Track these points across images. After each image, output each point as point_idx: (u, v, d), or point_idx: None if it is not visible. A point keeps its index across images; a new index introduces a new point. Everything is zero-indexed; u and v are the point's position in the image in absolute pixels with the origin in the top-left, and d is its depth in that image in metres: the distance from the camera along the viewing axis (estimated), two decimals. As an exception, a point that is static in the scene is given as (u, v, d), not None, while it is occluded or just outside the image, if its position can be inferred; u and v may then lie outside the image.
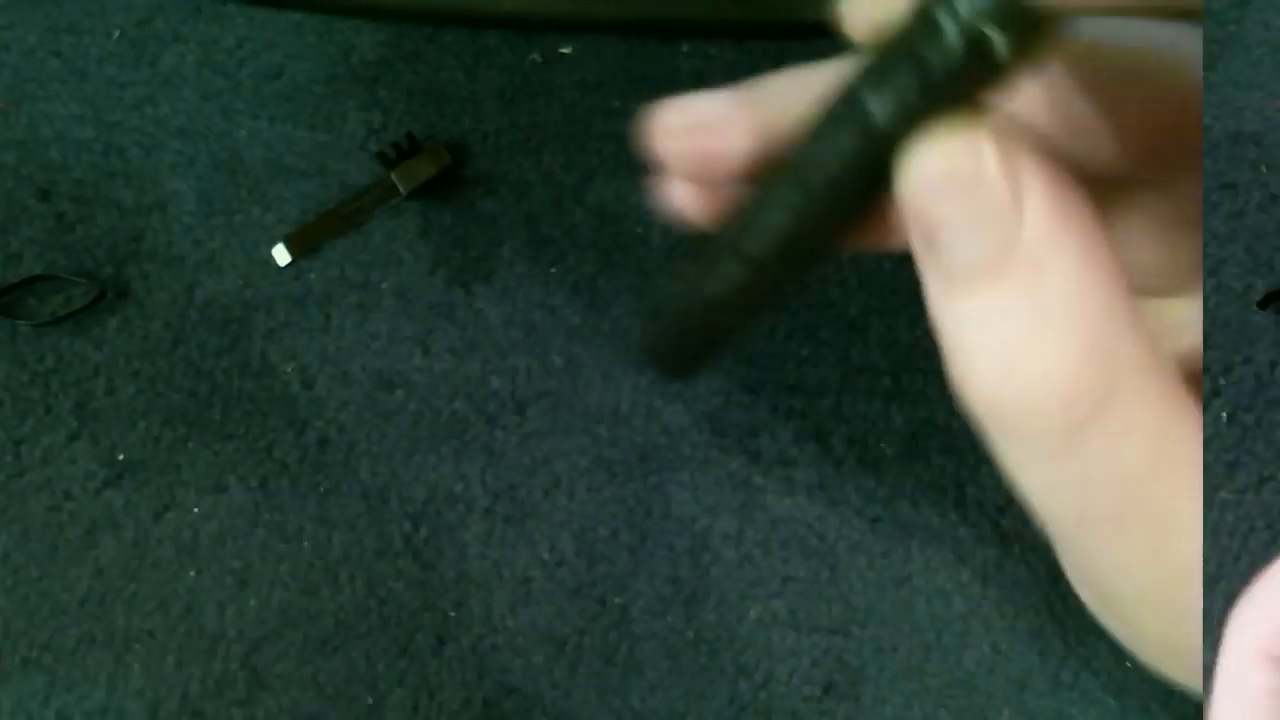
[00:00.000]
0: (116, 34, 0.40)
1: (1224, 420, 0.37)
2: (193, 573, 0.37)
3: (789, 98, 0.21)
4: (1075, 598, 0.37)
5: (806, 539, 0.38)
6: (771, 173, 0.21)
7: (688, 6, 0.38)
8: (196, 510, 0.38)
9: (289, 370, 0.38)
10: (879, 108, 0.18)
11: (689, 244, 0.23)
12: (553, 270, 0.39)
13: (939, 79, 0.18)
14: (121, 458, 0.38)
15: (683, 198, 0.23)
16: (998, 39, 0.17)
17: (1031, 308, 0.17)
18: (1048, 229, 0.17)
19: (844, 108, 0.19)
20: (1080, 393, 0.17)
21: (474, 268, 0.39)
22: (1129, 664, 0.37)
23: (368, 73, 0.39)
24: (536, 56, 0.40)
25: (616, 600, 0.38)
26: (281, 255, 0.37)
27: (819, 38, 0.39)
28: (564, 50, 0.39)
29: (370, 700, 0.37)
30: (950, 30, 0.17)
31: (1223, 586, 0.36)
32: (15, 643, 0.37)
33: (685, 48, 0.39)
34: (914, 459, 0.38)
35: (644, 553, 0.38)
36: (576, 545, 0.38)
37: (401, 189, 0.38)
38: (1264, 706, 0.20)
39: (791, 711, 0.37)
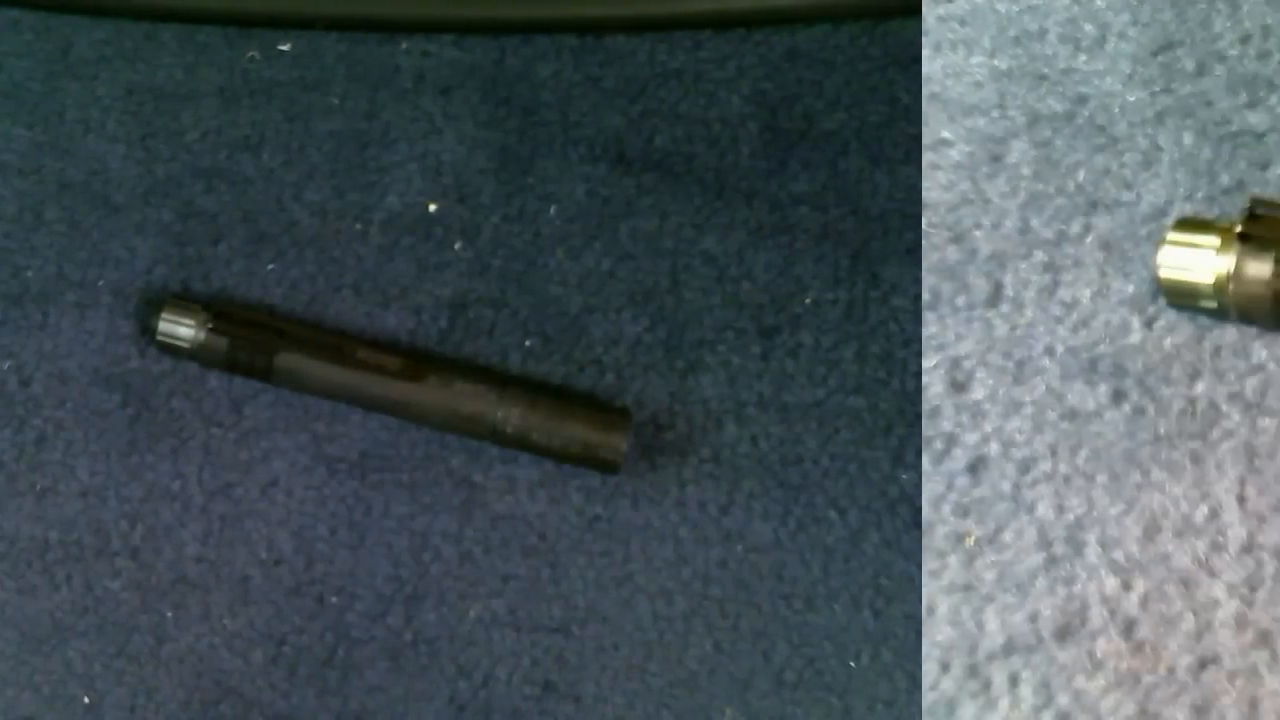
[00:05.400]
0: None
1: None
2: (-95, 572, 0.37)
3: None
4: (799, 597, 0.37)
5: (527, 537, 0.38)
6: None
7: (407, 4, 0.38)
8: (-87, 509, 0.38)
9: (5, 368, 0.38)
10: None
11: None
12: (271, 267, 0.39)
13: None
14: None
15: None
16: None
17: None
18: None
19: None
20: None
21: (193, 265, 0.38)
22: (852, 664, 0.37)
23: (86, 70, 0.39)
24: (255, 54, 0.39)
25: (334, 600, 0.37)
26: None
27: (537, 33, 0.39)
28: (283, 47, 0.39)
29: (87, 700, 0.37)
30: None
31: None
32: None
33: (404, 45, 0.39)
34: (635, 458, 0.38)
35: (363, 551, 0.38)
36: (295, 544, 0.38)
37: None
38: None
39: (512, 711, 0.37)
